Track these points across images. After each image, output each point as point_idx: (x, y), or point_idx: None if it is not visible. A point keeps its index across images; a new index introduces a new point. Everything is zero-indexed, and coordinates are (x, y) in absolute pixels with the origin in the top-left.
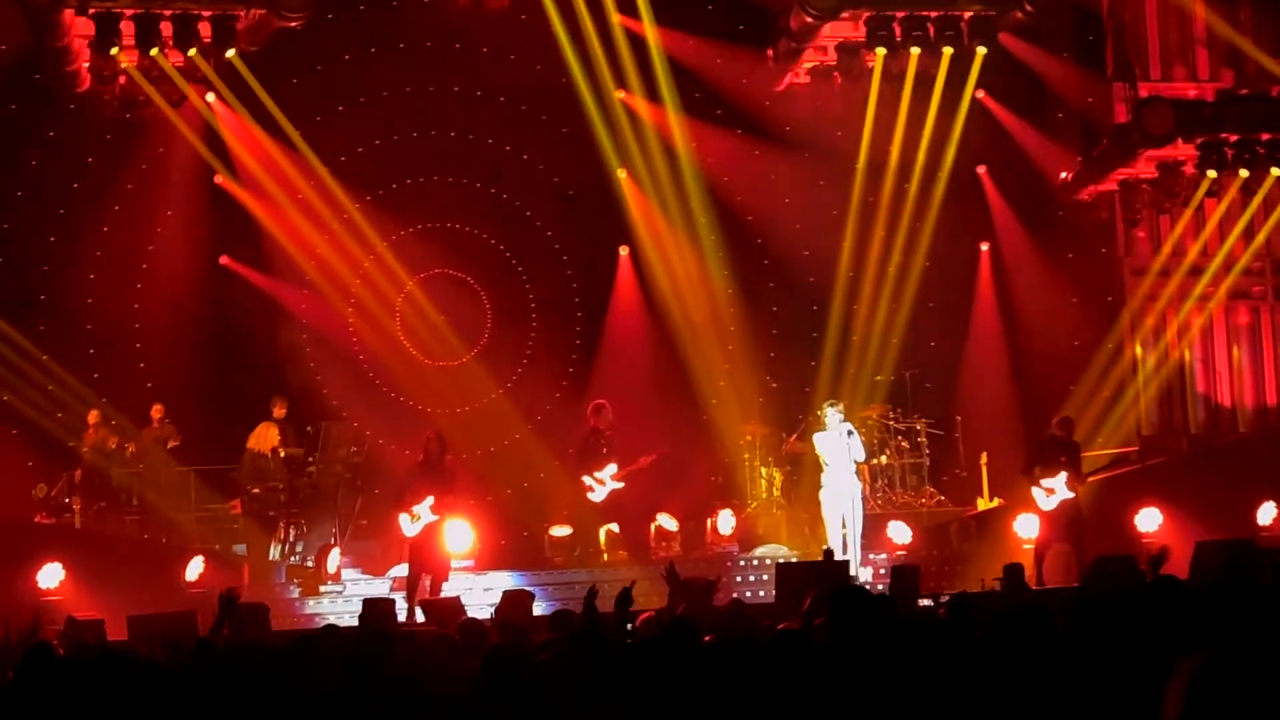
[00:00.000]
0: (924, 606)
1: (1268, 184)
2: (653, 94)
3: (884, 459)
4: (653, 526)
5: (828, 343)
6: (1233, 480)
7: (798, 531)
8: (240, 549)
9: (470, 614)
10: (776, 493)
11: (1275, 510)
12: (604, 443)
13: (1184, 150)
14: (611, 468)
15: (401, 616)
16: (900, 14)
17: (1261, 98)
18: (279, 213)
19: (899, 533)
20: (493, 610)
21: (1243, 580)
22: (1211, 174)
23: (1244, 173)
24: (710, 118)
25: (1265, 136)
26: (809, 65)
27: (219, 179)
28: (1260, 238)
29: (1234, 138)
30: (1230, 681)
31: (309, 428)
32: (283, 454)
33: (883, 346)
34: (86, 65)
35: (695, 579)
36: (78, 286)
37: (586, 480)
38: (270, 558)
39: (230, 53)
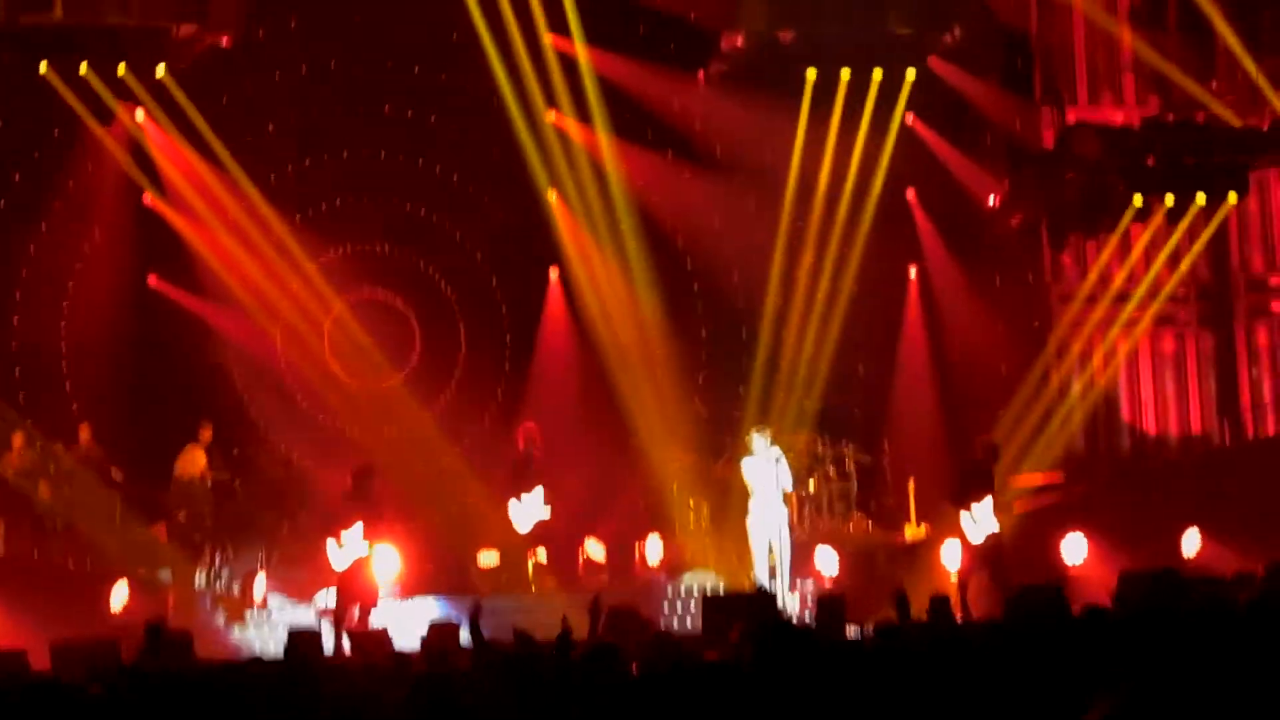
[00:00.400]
0: (851, 639)
1: (1193, 210)
2: (583, 115)
3: (811, 485)
4: (581, 554)
5: (756, 368)
6: (1158, 508)
7: (726, 558)
8: (165, 575)
9: (397, 644)
10: (704, 520)
11: (1200, 539)
12: (532, 467)
13: (1111, 175)
14: (539, 491)
15: (328, 647)
16: (831, 35)
17: (1187, 124)
18: (207, 233)
19: (826, 560)
20: (420, 642)
21: (1167, 609)
22: (1138, 200)
23: (1170, 198)
24: (641, 139)
25: (1191, 162)
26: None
27: (148, 198)
28: (1185, 264)
29: (1160, 163)
30: (1150, 713)
31: (235, 450)
32: (210, 479)
33: (811, 371)
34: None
35: (623, 609)
36: (3, 305)
37: (512, 510)
38: (196, 585)
39: (160, 70)
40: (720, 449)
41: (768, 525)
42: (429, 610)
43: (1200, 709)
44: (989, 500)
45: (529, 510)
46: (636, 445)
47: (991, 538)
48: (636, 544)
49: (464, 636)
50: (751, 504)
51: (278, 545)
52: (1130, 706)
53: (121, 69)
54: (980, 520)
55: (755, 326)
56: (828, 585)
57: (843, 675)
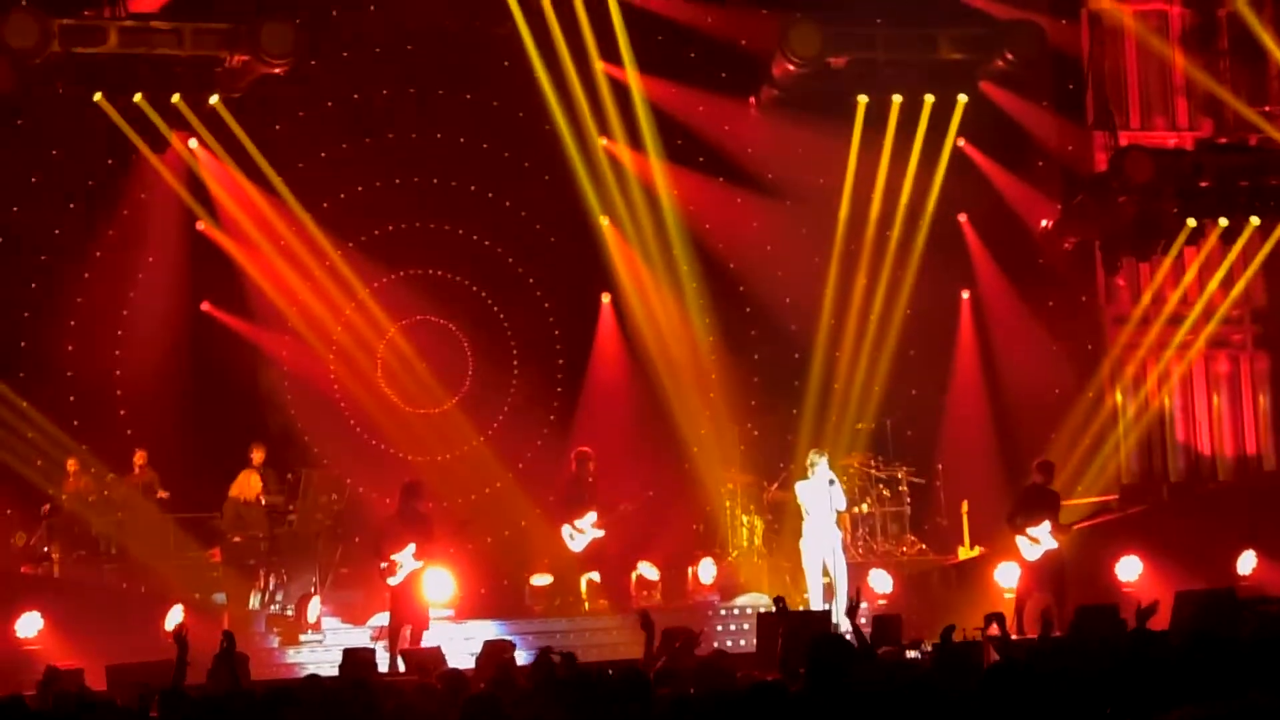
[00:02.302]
0: (909, 658)
1: (1247, 232)
2: (635, 141)
3: (865, 507)
4: (634, 575)
5: (809, 390)
6: (1213, 529)
7: (779, 580)
8: (220, 598)
9: (451, 664)
10: (758, 541)
11: (1255, 559)
12: (585, 491)
13: (1164, 198)
14: (592, 516)
15: (383, 666)
16: (882, 61)
17: (1240, 146)
18: (261, 259)
19: (880, 581)
20: (474, 660)
21: (1222, 630)
22: (1191, 222)
23: (1223, 221)
24: (693, 164)
25: (1244, 184)
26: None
27: (201, 225)
28: (1239, 286)
29: (1213, 186)
30: None
31: (289, 475)
32: (264, 502)
33: (864, 394)
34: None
35: (677, 629)
36: (58, 333)
37: (565, 530)
38: (250, 606)
39: (214, 99)
40: (774, 471)
41: (822, 547)
42: (483, 632)
43: None
44: (1047, 522)
45: (583, 532)
46: (690, 468)
47: (1051, 557)
48: (690, 566)
49: (519, 658)
50: (805, 526)
51: (332, 568)
52: None
53: (175, 98)
54: (1038, 541)
55: (808, 350)
56: (882, 606)
57: (899, 694)
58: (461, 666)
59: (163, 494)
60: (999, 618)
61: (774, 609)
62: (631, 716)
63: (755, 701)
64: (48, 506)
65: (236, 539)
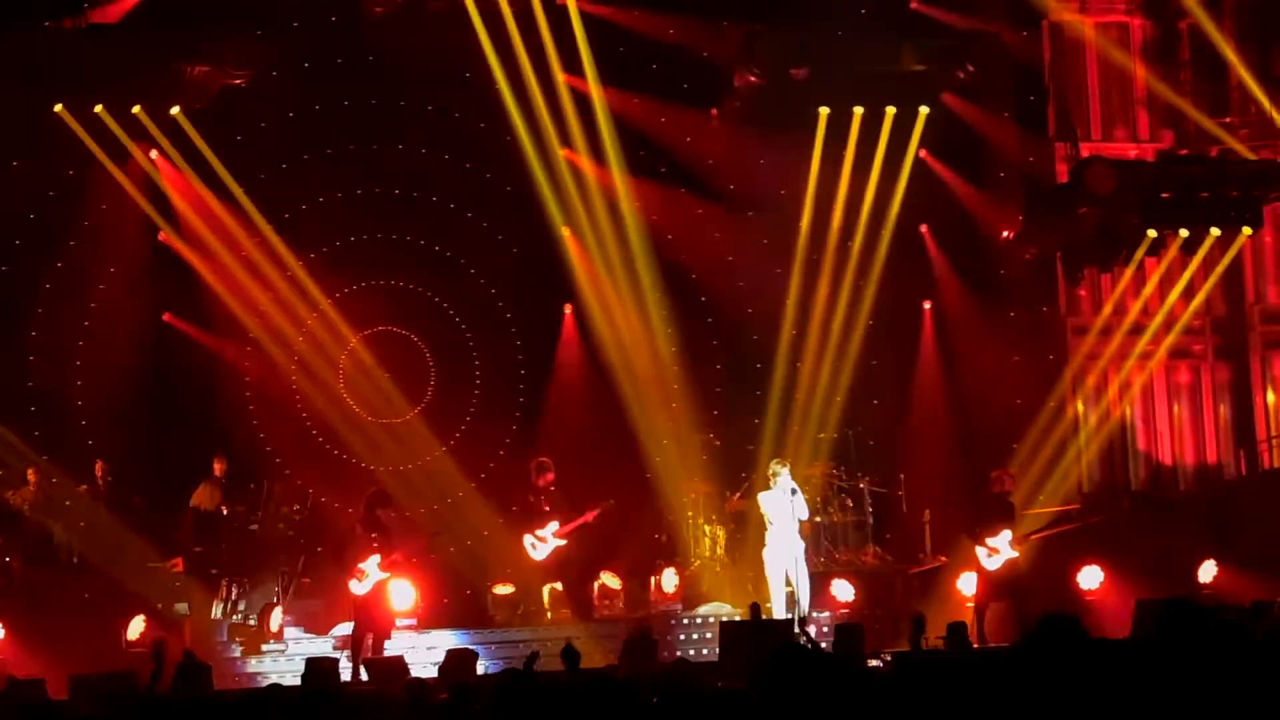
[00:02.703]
0: (870, 666)
1: (1207, 243)
2: (597, 152)
3: (827, 517)
4: (596, 585)
5: (771, 400)
6: (1174, 538)
7: (741, 590)
8: (182, 608)
9: (414, 673)
10: (720, 551)
11: (1215, 568)
12: (546, 500)
13: (1125, 209)
14: (553, 525)
15: (345, 675)
16: (844, 72)
17: (1201, 158)
18: (222, 270)
19: (842, 590)
20: (437, 669)
21: (1183, 638)
22: (1152, 233)
23: (1184, 232)
24: (655, 175)
25: (1204, 196)
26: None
27: (162, 236)
28: (1200, 296)
29: (1174, 197)
30: None
31: (252, 485)
32: (225, 512)
33: (826, 404)
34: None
35: (635, 628)
36: (20, 344)
37: (527, 539)
38: (212, 616)
39: (175, 110)
40: (736, 481)
41: (784, 556)
42: (445, 642)
43: None
44: (1006, 531)
45: (545, 541)
46: (652, 478)
47: (1010, 566)
48: (652, 575)
49: (480, 668)
50: (768, 535)
51: (294, 578)
52: None
53: (136, 109)
54: (997, 551)
55: (770, 360)
56: (844, 615)
57: (861, 702)
58: (424, 676)
59: (139, 503)
60: (961, 626)
61: (738, 619)
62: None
63: (722, 708)
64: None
65: (198, 549)
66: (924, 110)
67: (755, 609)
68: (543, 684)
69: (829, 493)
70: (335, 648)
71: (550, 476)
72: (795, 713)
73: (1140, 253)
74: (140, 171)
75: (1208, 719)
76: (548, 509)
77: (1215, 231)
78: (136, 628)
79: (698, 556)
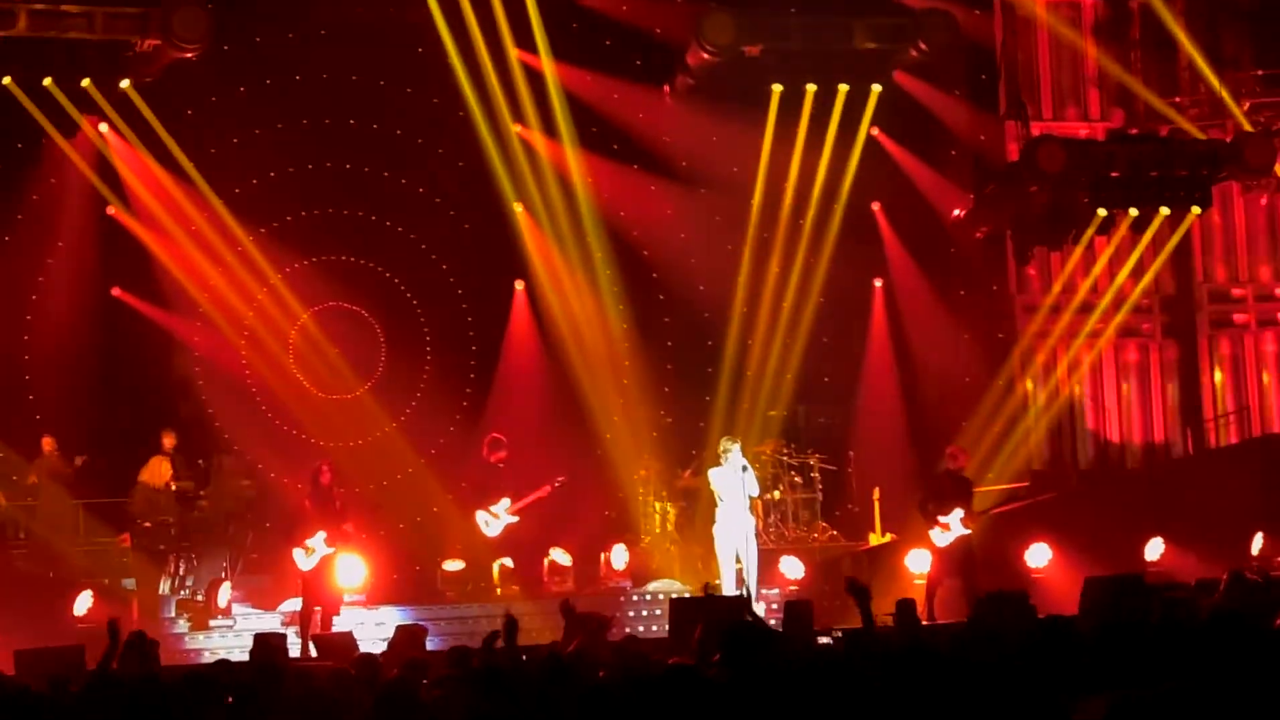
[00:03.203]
0: (820, 643)
1: (1156, 222)
2: (550, 129)
3: (777, 494)
4: (546, 561)
5: (722, 378)
6: (1121, 516)
7: (691, 567)
8: (129, 583)
9: (363, 649)
10: (670, 528)
11: (1163, 546)
12: (499, 477)
13: (1075, 188)
14: (506, 501)
15: (294, 651)
16: (796, 50)
17: (1151, 137)
18: (172, 244)
19: (791, 568)
20: (386, 645)
21: (1130, 616)
22: (1102, 212)
23: (1133, 211)
24: (607, 152)
25: (1154, 175)
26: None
27: (111, 210)
28: (1149, 275)
29: (1124, 176)
30: None
31: (200, 460)
32: (174, 487)
33: (777, 381)
34: None
35: (590, 614)
36: None
37: (480, 516)
38: (160, 592)
39: (125, 83)
40: (686, 458)
41: (734, 533)
42: (394, 618)
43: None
44: (959, 509)
45: (498, 517)
46: (602, 454)
47: (961, 543)
48: (602, 552)
49: (430, 644)
50: (718, 512)
51: (242, 554)
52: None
53: (85, 82)
54: (949, 528)
55: (721, 337)
56: (794, 592)
57: (810, 678)
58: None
59: (78, 460)
60: (909, 604)
61: (688, 595)
62: (549, 701)
63: (670, 684)
64: None
65: (146, 524)
66: (876, 88)
67: (708, 589)
68: (489, 663)
69: (779, 470)
70: (284, 623)
71: (504, 454)
72: (746, 687)
73: (1090, 231)
74: (89, 145)
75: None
76: (499, 485)
77: (1165, 211)
78: (84, 603)
79: (648, 533)
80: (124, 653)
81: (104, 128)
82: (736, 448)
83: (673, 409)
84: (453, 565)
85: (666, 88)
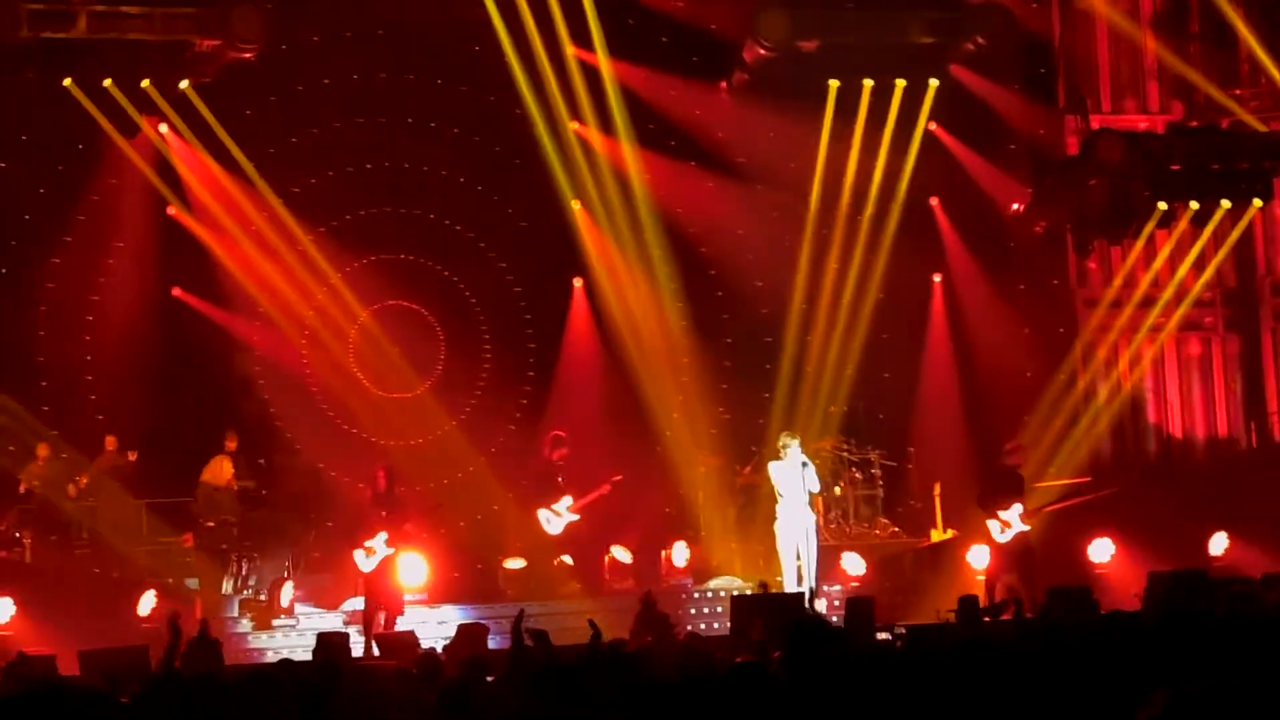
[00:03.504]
0: (881, 640)
1: (1218, 215)
2: (607, 126)
3: (838, 490)
4: (607, 559)
5: (781, 374)
6: (1185, 511)
7: (752, 563)
8: (193, 583)
9: (425, 647)
10: (730, 524)
11: (1227, 540)
12: (560, 475)
13: (1135, 181)
14: (567, 499)
15: (356, 650)
16: (852, 45)
17: (1211, 130)
18: (232, 244)
19: (853, 564)
20: (447, 644)
21: (1194, 611)
22: (1162, 205)
23: (1194, 204)
24: (664, 149)
25: (1215, 168)
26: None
27: (171, 210)
28: (1210, 269)
29: (1184, 169)
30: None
31: (262, 460)
32: (236, 487)
33: (836, 378)
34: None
35: (658, 612)
36: (28, 319)
37: (542, 513)
38: (223, 592)
39: (184, 83)
40: (746, 455)
41: (795, 529)
42: (456, 617)
43: (1237, 713)
44: (1017, 506)
45: (560, 515)
46: (662, 451)
47: (1020, 539)
48: (662, 549)
49: (492, 642)
50: (779, 508)
51: (304, 553)
52: (1182, 709)
53: (145, 83)
54: (1009, 524)
55: (780, 333)
56: (855, 588)
57: (873, 675)
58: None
59: (131, 455)
60: (971, 600)
61: (749, 592)
62: (613, 701)
63: (736, 683)
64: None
65: (209, 524)
66: (933, 83)
67: (764, 586)
68: (556, 660)
69: (839, 466)
70: (345, 622)
71: (565, 451)
72: (809, 684)
73: (1150, 225)
74: (149, 146)
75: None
76: (561, 483)
77: (1226, 203)
78: (148, 603)
79: (708, 530)
80: (189, 649)
81: (164, 128)
82: (796, 443)
83: (732, 406)
84: (514, 563)
85: (723, 84)
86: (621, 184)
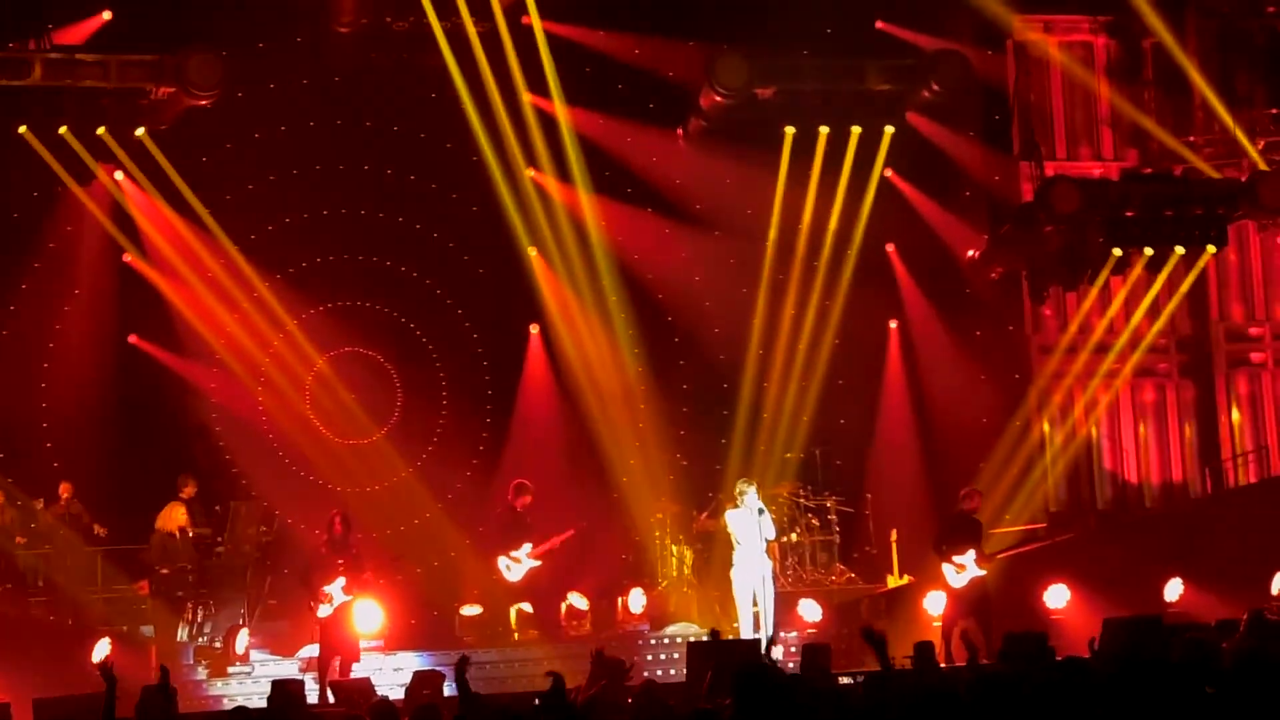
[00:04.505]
0: (843, 685)
1: (1172, 261)
2: (563, 173)
3: (794, 536)
4: (564, 605)
5: (738, 420)
6: (1140, 557)
7: (709, 610)
8: (148, 630)
9: (380, 695)
10: (687, 571)
11: (1182, 586)
12: (521, 521)
13: (1090, 228)
14: (527, 546)
15: (312, 698)
16: (809, 92)
17: (1165, 177)
18: (188, 291)
19: (809, 610)
20: (404, 691)
21: (1149, 657)
22: (1117, 252)
23: (1148, 250)
24: (621, 196)
25: (1169, 214)
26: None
27: (127, 257)
28: (1165, 315)
29: (1138, 216)
30: None
31: (217, 507)
32: (191, 534)
33: (793, 424)
34: None
35: (610, 658)
36: None
37: (502, 560)
38: (178, 639)
39: (140, 131)
40: (703, 500)
41: (751, 576)
42: (412, 663)
43: None
44: (972, 552)
45: (519, 562)
46: (619, 498)
47: (976, 585)
48: (619, 596)
49: (448, 689)
50: (735, 555)
51: (260, 600)
52: None
53: (100, 130)
54: (964, 568)
55: (737, 380)
56: (811, 635)
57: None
58: (391, 697)
59: (100, 530)
60: (928, 646)
61: (704, 639)
62: None
63: None
64: None
65: (164, 571)
66: (889, 130)
67: (715, 634)
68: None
69: (795, 512)
70: (301, 670)
71: (528, 499)
72: None
73: (1105, 271)
74: (105, 193)
75: None
76: (524, 530)
77: (1180, 250)
78: (102, 650)
79: (665, 576)
80: (146, 696)
81: (119, 175)
82: (753, 490)
83: (689, 452)
84: (470, 610)
85: (680, 131)
86: (578, 231)
